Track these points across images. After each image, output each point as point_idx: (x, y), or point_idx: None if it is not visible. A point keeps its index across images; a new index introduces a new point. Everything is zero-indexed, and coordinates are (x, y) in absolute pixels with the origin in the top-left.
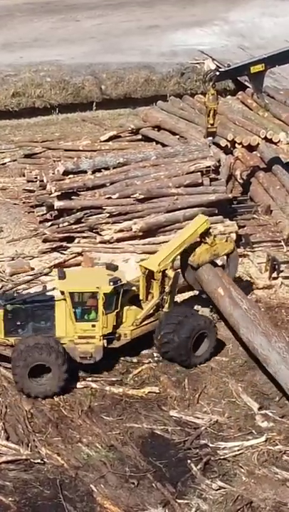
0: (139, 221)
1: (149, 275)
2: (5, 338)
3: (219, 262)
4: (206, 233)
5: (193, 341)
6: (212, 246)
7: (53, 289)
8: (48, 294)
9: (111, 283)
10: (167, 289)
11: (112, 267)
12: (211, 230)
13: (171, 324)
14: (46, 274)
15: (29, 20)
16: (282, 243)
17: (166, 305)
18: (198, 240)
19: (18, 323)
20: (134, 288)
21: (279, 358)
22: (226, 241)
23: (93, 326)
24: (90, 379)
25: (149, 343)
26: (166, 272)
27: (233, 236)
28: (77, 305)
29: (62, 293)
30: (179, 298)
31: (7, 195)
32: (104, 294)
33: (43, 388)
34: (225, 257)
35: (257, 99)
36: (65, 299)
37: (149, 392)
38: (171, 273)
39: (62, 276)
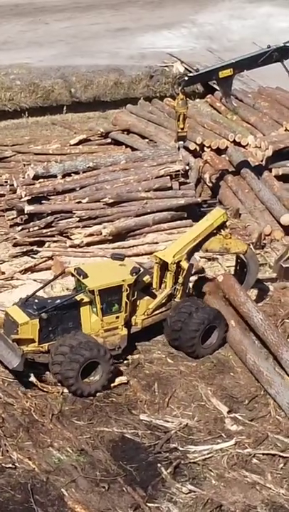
0: (109, 225)
1: (164, 266)
2: (39, 346)
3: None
4: (222, 226)
5: (202, 333)
6: (226, 238)
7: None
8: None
9: (134, 273)
10: (180, 280)
11: (119, 257)
12: (228, 224)
13: (181, 315)
14: (57, 277)
15: None
16: (251, 246)
17: (179, 295)
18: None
19: (51, 328)
20: (147, 277)
21: (283, 381)
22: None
23: (117, 317)
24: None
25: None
26: (181, 263)
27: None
28: (104, 300)
29: (92, 291)
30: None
31: None
32: (128, 285)
33: (94, 386)
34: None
35: (225, 102)
36: (91, 297)
37: (118, 384)
38: (185, 264)
39: (84, 275)
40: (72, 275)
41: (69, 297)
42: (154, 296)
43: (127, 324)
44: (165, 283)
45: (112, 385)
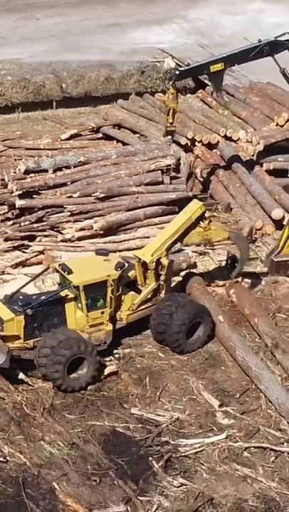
0: (100, 219)
1: (144, 264)
2: (25, 343)
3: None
4: (201, 218)
5: (188, 329)
6: (205, 230)
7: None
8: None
9: (118, 268)
10: (162, 277)
11: (103, 253)
12: (207, 215)
13: (162, 317)
14: (41, 274)
15: None
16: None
17: (163, 291)
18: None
19: (36, 325)
20: (132, 272)
21: (272, 376)
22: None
23: (102, 312)
24: None
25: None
26: (161, 260)
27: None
28: (89, 296)
29: (77, 287)
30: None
31: None
32: (112, 280)
33: (83, 379)
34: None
35: (216, 97)
36: (76, 293)
37: (108, 375)
38: (165, 261)
39: (69, 271)
40: (57, 271)
41: (54, 293)
42: (139, 292)
43: (112, 319)
44: (148, 280)
45: (102, 375)
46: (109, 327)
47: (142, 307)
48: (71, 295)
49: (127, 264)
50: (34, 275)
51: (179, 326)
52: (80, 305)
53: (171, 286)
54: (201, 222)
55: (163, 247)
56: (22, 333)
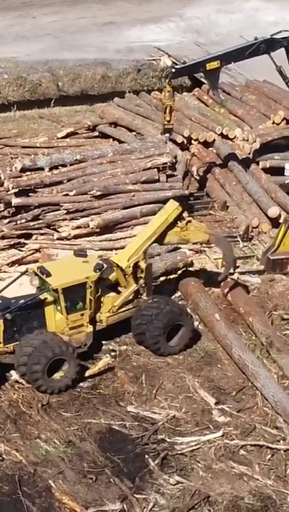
0: (96, 217)
1: (121, 269)
2: (5, 347)
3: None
4: (178, 218)
5: (168, 331)
6: (182, 230)
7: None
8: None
9: (97, 270)
10: (141, 281)
11: (82, 254)
12: (185, 215)
13: (147, 313)
14: (20, 276)
15: None
16: (238, 239)
17: (145, 293)
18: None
19: (15, 329)
20: (113, 275)
21: (268, 374)
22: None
23: (82, 314)
24: None
25: (106, 338)
26: (139, 263)
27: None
28: (68, 298)
29: (56, 290)
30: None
31: None
32: (92, 282)
33: (61, 383)
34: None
35: (213, 95)
36: (55, 296)
37: (105, 371)
38: (143, 265)
39: (48, 274)
40: (36, 274)
41: (33, 297)
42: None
43: (92, 321)
44: (127, 283)
45: (96, 368)
46: (90, 329)
47: (123, 309)
48: (50, 298)
49: (105, 266)
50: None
51: (159, 329)
52: (59, 308)
53: (167, 286)
54: (178, 222)
55: (140, 251)
56: (1, 337)
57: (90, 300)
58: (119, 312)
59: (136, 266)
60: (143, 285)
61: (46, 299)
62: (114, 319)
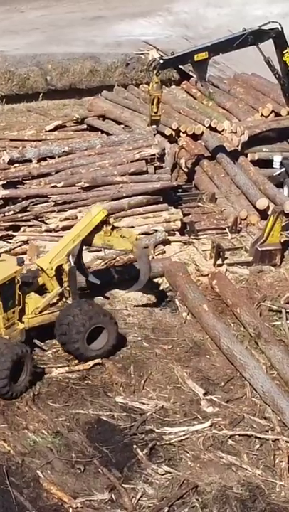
0: (85, 209)
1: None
2: None
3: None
4: (104, 222)
5: (88, 334)
6: (106, 235)
7: None
8: None
9: (21, 263)
10: (65, 284)
11: None
12: (112, 221)
13: (67, 316)
14: None
15: None
16: (227, 230)
17: (70, 297)
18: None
19: None
20: (41, 278)
21: (256, 364)
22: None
23: (13, 312)
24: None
25: None
26: (63, 266)
27: None
28: (4, 296)
29: None
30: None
31: None
32: (19, 276)
33: (20, 386)
34: None
35: (201, 87)
36: None
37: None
38: (66, 267)
39: None
40: None
41: None
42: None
43: (20, 319)
44: (51, 286)
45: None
46: (22, 325)
47: (46, 312)
48: None
49: (24, 259)
50: None
51: (78, 332)
52: None
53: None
54: (104, 226)
55: (63, 254)
56: None
57: (19, 295)
58: (42, 315)
59: (59, 268)
60: (67, 288)
61: None
62: (36, 321)
